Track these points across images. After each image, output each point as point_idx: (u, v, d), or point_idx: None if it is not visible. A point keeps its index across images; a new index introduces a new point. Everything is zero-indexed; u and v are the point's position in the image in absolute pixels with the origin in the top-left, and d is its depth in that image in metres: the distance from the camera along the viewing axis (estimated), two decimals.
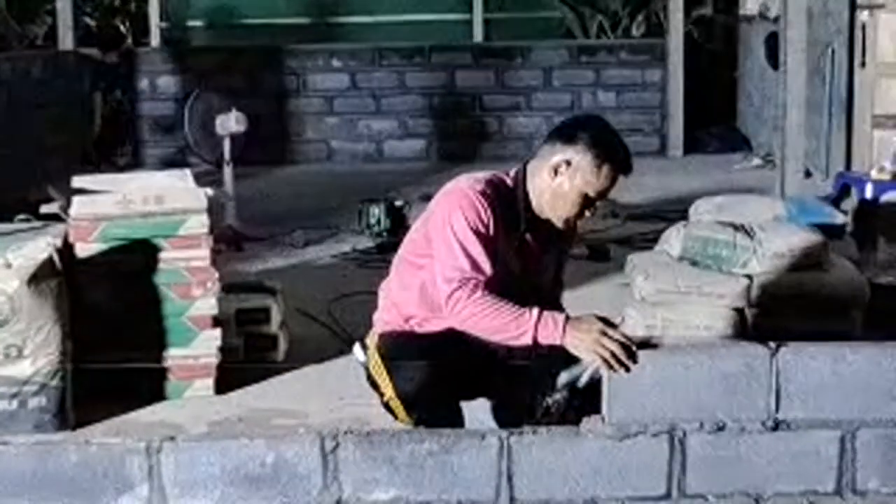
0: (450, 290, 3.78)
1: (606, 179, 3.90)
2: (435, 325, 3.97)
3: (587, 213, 3.95)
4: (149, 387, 4.80)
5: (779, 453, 3.78)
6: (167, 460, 3.70)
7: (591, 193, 3.90)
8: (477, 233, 3.81)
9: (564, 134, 3.93)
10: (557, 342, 3.69)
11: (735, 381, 3.78)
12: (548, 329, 3.68)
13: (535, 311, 3.71)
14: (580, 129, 3.94)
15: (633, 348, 3.68)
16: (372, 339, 4.17)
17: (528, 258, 4.03)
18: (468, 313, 3.76)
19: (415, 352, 3.96)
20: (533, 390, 3.95)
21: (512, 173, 4.02)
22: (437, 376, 3.95)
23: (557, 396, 3.89)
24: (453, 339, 3.89)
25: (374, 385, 4.13)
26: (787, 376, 3.78)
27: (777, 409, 3.79)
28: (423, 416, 3.96)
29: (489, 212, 3.84)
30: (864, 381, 3.79)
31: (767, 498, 3.78)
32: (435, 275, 3.86)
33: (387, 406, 4.10)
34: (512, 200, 3.94)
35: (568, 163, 3.86)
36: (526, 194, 3.95)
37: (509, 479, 3.73)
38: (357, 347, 4.26)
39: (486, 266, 3.80)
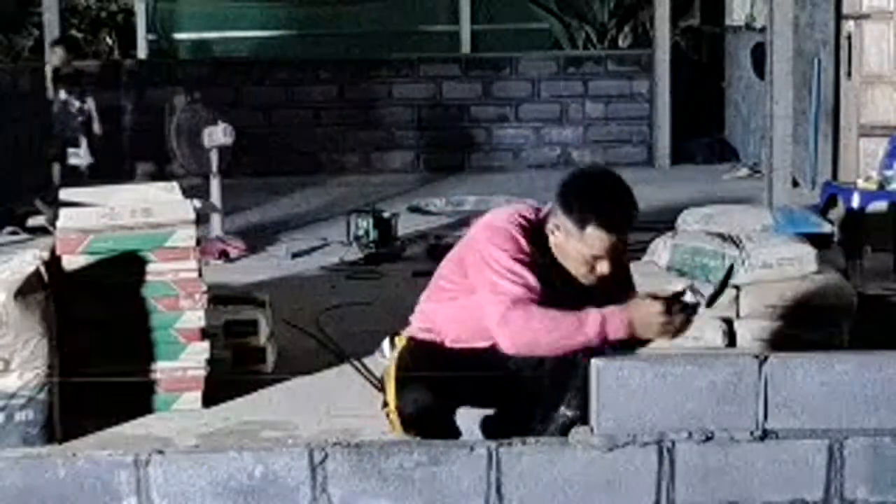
0: (501, 314, 3.70)
1: (597, 241, 3.76)
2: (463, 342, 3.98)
3: (599, 270, 3.82)
4: (136, 400, 4.78)
5: (767, 463, 3.78)
6: (155, 473, 3.69)
7: (588, 256, 3.80)
8: (519, 261, 3.76)
9: (559, 194, 3.84)
10: (626, 334, 3.68)
11: (723, 390, 3.78)
12: (614, 325, 3.66)
13: (593, 311, 3.66)
14: (570, 189, 3.83)
15: (692, 312, 3.72)
16: (401, 341, 4.13)
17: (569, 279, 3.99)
18: (528, 331, 3.69)
19: (428, 371, 3.94)
20: (547, 403, 3.94)
21: (543, 210, 3.96)
22: (441, 406, 3.97)
23: (571, 412, 3.89)
24: (474, 360, 3.89)
25: (382, 386, 4.13)
26: (774, 386, 3.78)
27: (765, 419, 3.79)
28: (417, 435, 3.95)
29: (527, 245, 3.80)
30: (851, 390, 3.79)
31: None
32: (479, 308, 3.80)
33: (385, 413, 4.09)
34: (540, 243, 3.89)
35: (558, 226, 3.81)
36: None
37: (498, 490, 3.73)
38: (386, 342, 4.23)
39: (532, 281, 3.73)
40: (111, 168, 10.66)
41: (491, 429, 4.11)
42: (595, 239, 3.74)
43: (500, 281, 3.75)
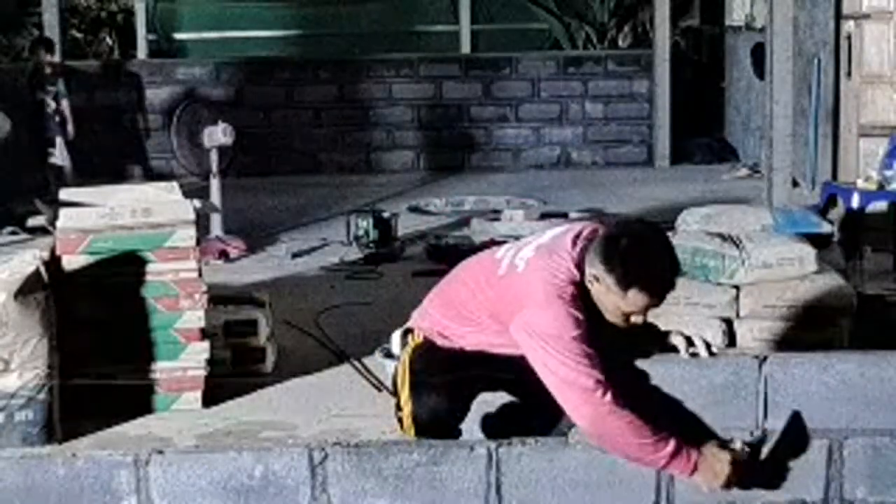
0: (593, 402, 3.61)
1: (636, 301, 3.70)
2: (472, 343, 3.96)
3: (633, 320, 3.78)
4: (136, 400, 4.78)
5: (767, 462, 3.78)
6: (155, 473, 3.69)
7: (625, 310, 3.74)
8: (579, 336, 3.66)
9: (601, 246, 3.73)
10: (687, 476, 3.66)
11: (723, 390, 3.78)
12: (679, 465, 3.64)
13: (674, 442, 3.62)
14: (615, 245, 3.72)
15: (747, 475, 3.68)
16: (414, 340, 4.09)
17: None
18: (616, 429, 3.62)
19: (444, 377, 3.92)
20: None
21: (576, 254, 3.82)
22: (456, 408, 3.96)
23: None
24: (486, 362, 3.87)
25: (394, 387, 4.11)
26: (774, 386, 3.78)
27: (765, 419, 3.79)
28: (429, 437, 3.95)
29: (577, 311, 3.69)
30: (851, 390, 3.79)
31: None
32: (552, 384, 3.68)
33: (398, 416, 4.06)
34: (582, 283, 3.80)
35: (598, 278, 3.76)
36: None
37: (498, 489, 3.73)
38: (396, 336, 4.19)
39: (596, 359, 3.65)
40: (108, 168, 10.70)
41: (497, 425, 4.10)
42: (636, 299, 3.70)
43: (572, 366, 3.63)
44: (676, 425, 3.69)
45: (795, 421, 3.78)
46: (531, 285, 3.76)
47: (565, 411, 3.68)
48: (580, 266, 3.76)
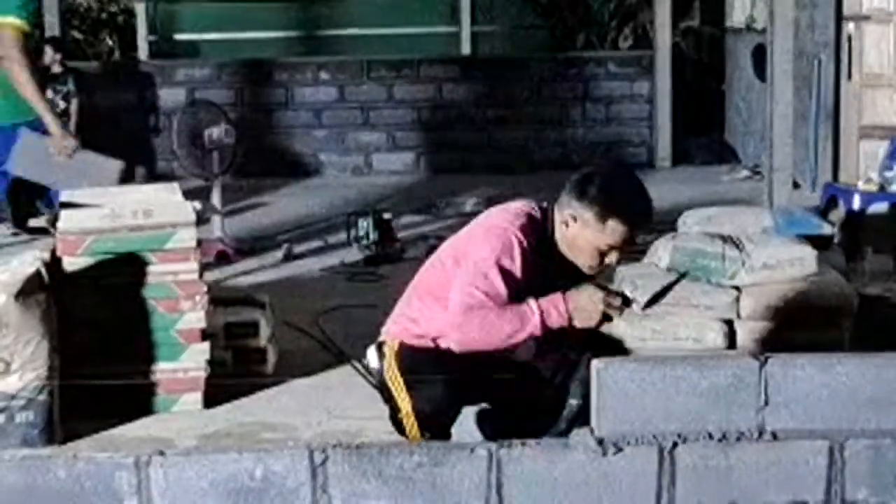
0: (462, 309, 3.80)
1: (615, 233, 3.87)
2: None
3: (608, 261, 3.92)
4: (137, 401, 4.78)
5: (767, 464, 3.78)
6: (156, 475, 3.69)
7: (602, 247, 3.88)
8: (499, 266, 3.81)
9: (576, 186, 3.92)
10: (566, 322, 3.74)
11: (724, 392, 3.78)
12: (552, 315, 3.75)
13: (533, 301, 3.76)
14: (590, 182, 3.91)
15: (626, 305, 3.88)
16: (390, 348, 4.13)
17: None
18: (474, 325, 3.79)
19: (437, 370, 3.96)
20: (557, 394, 3.96)
21: (542, 206, 4.01)
22: (456, 397, 4.00)
23: (576, 400, 3.92)
24: (474, 357, 3.89)
25: (386, 395, 4.12)
26: (775, 387, 3.78)
27: (766, 420, 3.79)
28: (435, 434, 3.96)
29: (521, 253, 3.84)
30: (852, 391, 3.79)
31: None
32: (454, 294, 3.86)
33: (394, 419, 4.08)
34: (543, 238, 3.95)
35: (574, 217, 3.85)
36: (553, 237, 3.97)
37: (499, 490, 3.73)
38: (371, 351, 4.24)
39: (502, 289, 3.82)
40: None
41: (491, 423, 4.11)
42: (615, 231, 3.85)
43: (471, 280, 3.82)
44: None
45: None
46: (482, 226, 4.00)
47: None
48: (543, 219, 3.95)
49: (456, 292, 3.86)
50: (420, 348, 4.05)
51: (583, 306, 3.80)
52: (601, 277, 4.21)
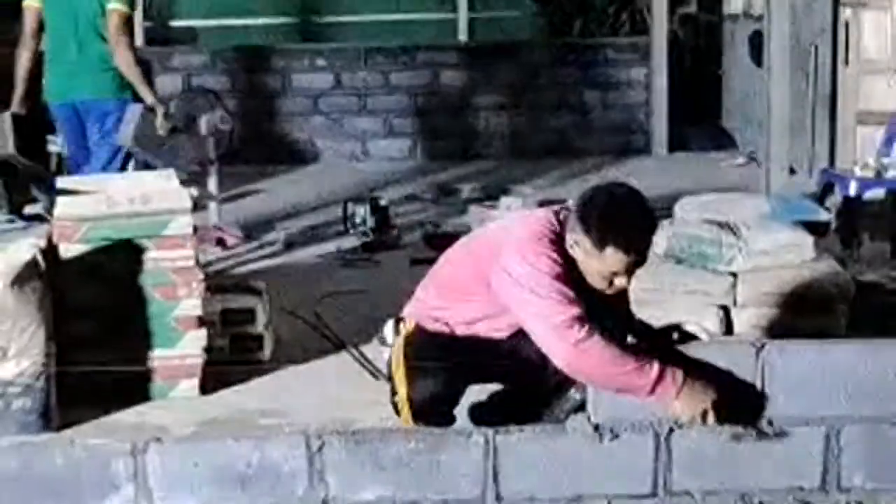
0: (573, 343, 3.63)
1: (614, 260, 3.75)
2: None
3: (617, 283, 3.82)
4: (134, 388, 4.79)
5: (764, 450, 3.78)
6: (153, 461, 3.69)
7: (606, 273, 3.79)
8: (555, 276, 3.72)
9: (579, 209, 3.81)
10: (673, 395, 3.65)
11: (720, 378, 3.78)
12: (665, 387, 3.63)
13: (657, 365, 3.61)
14: (590, 207, 3.80)
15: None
16: (406, 328, 4.12)
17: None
18: (594, 361, 3.63)
19: (444, 361, 3.94)
20: (558, 385, 3.95)
21: (560, 219, 3.91)
22: (452, 392, 4.00)
23: (580, 395, 3.89)
24: (484, 344, 3.88)
25: (389, 373, 4.12)
26: (772, 373, 3.79)
27: (762, 407, 3.79)
28: (426, 424, 3.96)
29: (557, 254, 3.76)
30: (848, 377, 3.80)
31: (753, 494, 3.78)
32: (530, 323, 3.74)
33: (393, 402, 4.09)
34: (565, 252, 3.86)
35: (577, 243, 3.79)
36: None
37: (495, 477, 3.73)
38: (390, 325, 4.21)
39: (574, 296, 3.70)
40: None
41: (488, 413, 4.11)
42: (614, 259, 3.74)
43: (547, 303, 3.69)
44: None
45: None
46: (511, 232, 3.88)
47: (547, 356, 3.71)
48: (561, 222, 3.84)
49: (533, 319, 3.71)
50: (434, 334, 4.03)
51: (692, 395, 3.64)
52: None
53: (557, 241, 3.82)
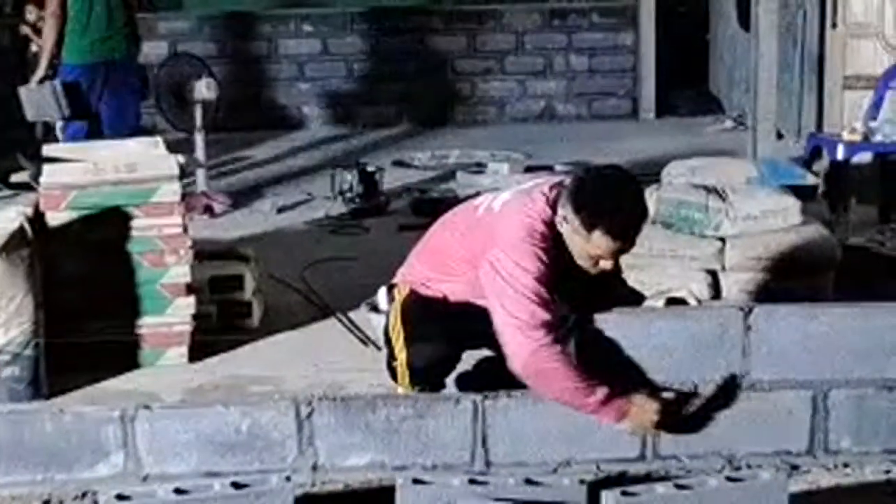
0: (529, 353, 3.64)
1: (601, 243, 3.73)
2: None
3: (602, 265, 3.79)
4: (123, 355, 4.78)
5: (751, 414, 3.80)
6: (142, 428, 3.70)
7: (592, 254, 3.77)
8: (538, 277, 3.70)
9: (572, 189, 3.78)
10: (614, 422, 3.69)
11: (708, 342, 3.80)
12: (608, 413, 3.66)
13: (604, 391, 3.63)
14: (582, 189, 3.77)
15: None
16: (400, 293, 4.12)
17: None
18: (548, 368, 3.64)
19: (439, 325, 3.94)
20: None
21: (552, 198, 3.87)
22: (450, 357, 4.00)
23: None
24: (477, 313, 3.88)
25: (386, 339, 4.12)
26: (758, 337, 3.80)
27: (749, 370, 3.81)
28: (424, 388, 3.96)
29: (545, 254, 3.73)
30: (835, 341, 3.82)
31: (740, 458, 3.81)
32: (499, 316, 3.73)
33: (390, 365, 4.08)
34: (554, 234, 3.83)
35: (566, 219, 3.77)
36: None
37: (484, 442, 3.75)
38: (382, 292, 4.20)
39: (549, 299, 3.70)
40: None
41: (475, 382, 4.11)
42: (601, 242, 3.71)
43: (522, 302, 3.68)
44: (623, 379, 3.73)
45: (731, 381, 3.82)
46: (505, 223, 3.83)
47: (504, 350, 3.72)
48: (555, 209, 3.80)
49: (504, 313, 3.70)
50: (428, 298, 4.03)
51: (637, 417, 3.67)
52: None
53: (548, 232, 3.79)
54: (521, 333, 3.66)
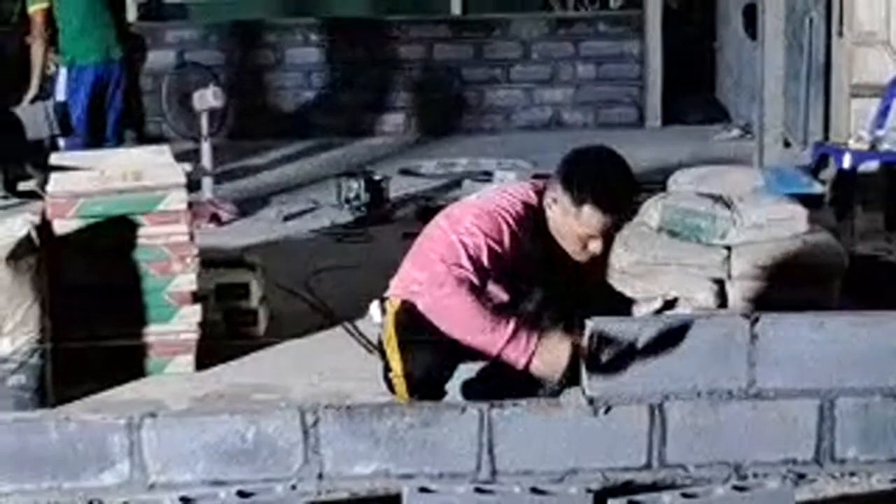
0: (445, 272, 3.69)
1: (591, 221, 3.75)
2: None
3: (591, 248, 3.81)
4: (129, 363, 4.79)
5: (758, 422, 3.80)
6: (148, 437, 3.69)
7: (581, 234, 3.79)
8: (490, 249, 3.73)
9: (560, 169, 3.82)
10: (525, 359, 3.67)
11: (714, 351, 3.79)
12: (518, 347, 3.66)
13: (513, 324, 3.64)
14: (570, 166, 3.82)
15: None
16: (392, 306, 4.12)
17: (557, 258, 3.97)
18: (450, 305, 3.69)
19: (434, 334, 3.95)
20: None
21: (540, 190, 3.92)
22: (447, 363, 3.99)
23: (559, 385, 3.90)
24: None
25: (381, 352, 4.12)
26: (765, 345, 3.80)
27: (756, 379, 3.80)
28: (424, 397, 3.96)
29: (510, 237, 3.76)
30: (842, 349, 3.81)
31: (747, 467, 3.80)
32: (438, 259, 3.80)
33: (386, 378, 4.09)
34: (537, 224, 3.87)
35: (555, 200, 3.79)
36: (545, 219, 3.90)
37: (490, 451, 3.74)
38: (375, 306, 4.22)
39: (486, 271, 3.73)
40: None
41: (480, 389, 4.12)
42: (591, 218, 3.72)
43: (466, 255, 3.72)
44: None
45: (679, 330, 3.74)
46: (483, 199, 3.91)
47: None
48: (541, 197, 3.81)
49: (441, 263, 3.79)
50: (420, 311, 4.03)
51: (548, 351, 3.69)
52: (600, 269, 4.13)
53: (525, 215, 3.80)
54: (440, 276, 3.69)
